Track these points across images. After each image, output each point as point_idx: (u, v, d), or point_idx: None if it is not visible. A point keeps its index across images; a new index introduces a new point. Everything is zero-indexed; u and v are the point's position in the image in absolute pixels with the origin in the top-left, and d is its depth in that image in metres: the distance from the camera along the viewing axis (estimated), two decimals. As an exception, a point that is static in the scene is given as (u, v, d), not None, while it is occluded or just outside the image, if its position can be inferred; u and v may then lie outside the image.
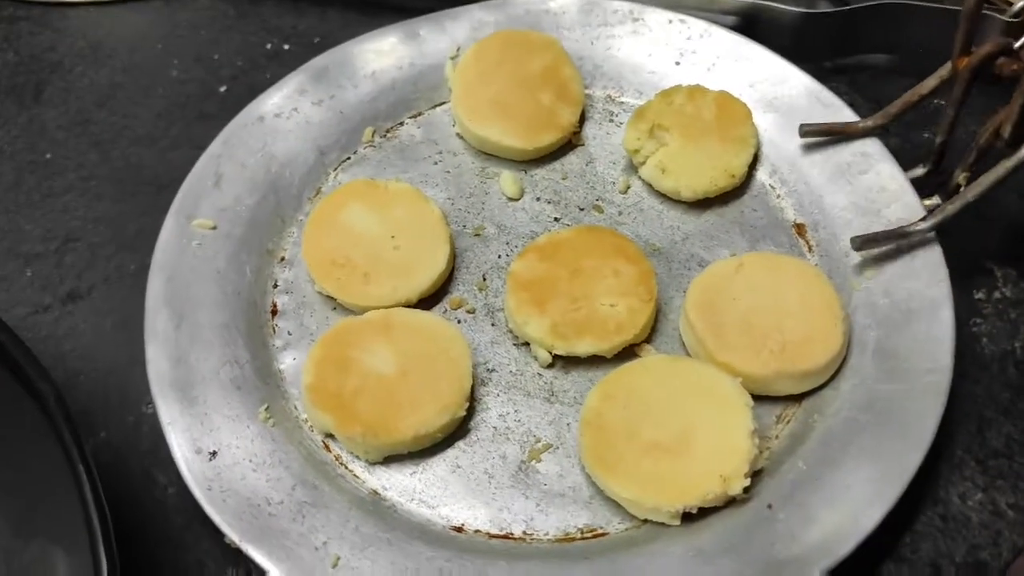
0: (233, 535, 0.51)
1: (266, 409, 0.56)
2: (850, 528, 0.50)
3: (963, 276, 0.63)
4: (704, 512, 0.52)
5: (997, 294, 0.63)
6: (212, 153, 0.65)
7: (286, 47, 0.79)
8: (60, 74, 0.78)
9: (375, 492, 0.55)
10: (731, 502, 0.53)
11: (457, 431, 0.57)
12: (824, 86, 0.68)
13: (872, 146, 0.65)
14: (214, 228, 0.63)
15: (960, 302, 0.60)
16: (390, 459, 0.56)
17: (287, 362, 0.60)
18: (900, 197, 0.62)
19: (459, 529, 0.54)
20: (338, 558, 0.50)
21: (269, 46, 0.79)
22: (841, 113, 0.67)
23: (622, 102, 0.72)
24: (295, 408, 0.58)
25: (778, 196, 0.66)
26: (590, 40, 0.73)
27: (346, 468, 0.56)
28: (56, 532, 0.44)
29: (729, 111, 0.67)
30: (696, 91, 0.68)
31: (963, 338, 0.60)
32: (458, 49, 0.72)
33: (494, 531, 0.54)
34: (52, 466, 0.44)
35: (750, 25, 0.73)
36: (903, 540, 0.54)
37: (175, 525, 0.56)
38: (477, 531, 0.54)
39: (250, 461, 0.54)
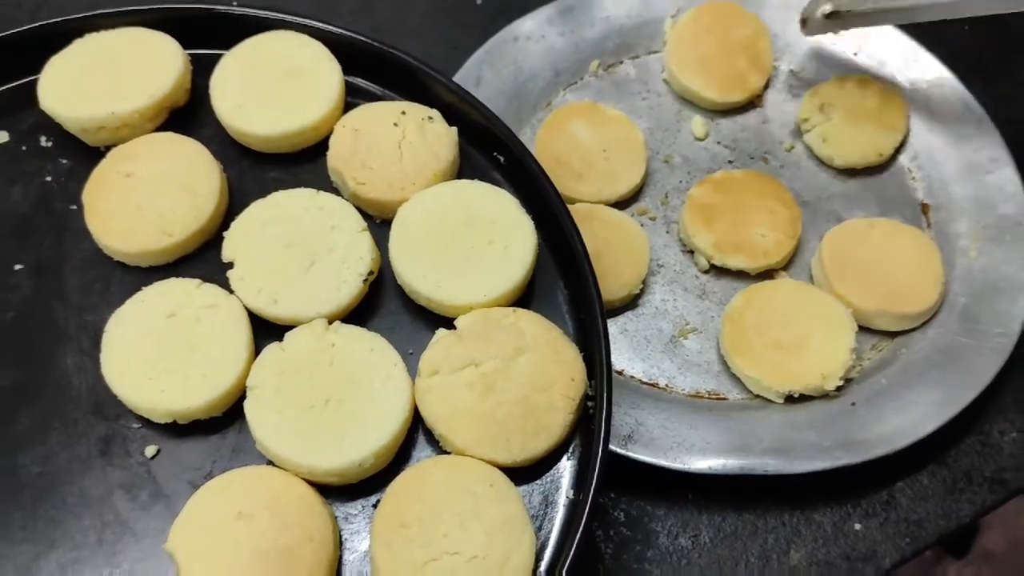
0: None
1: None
2: (909, 431, 0.64)
3: (1047, 272, 0.75)
4: (803, 398, 0.67)
5: (1070, 290, 0.75)
6: (477, 59, 0.80)
7: (535, -25, 0.92)
8: (351, -33, 0.93)
9: (562, 334, 0.72)
10: (825, 396, 0.67)
11: (629, 304, 0.72)
12: (974, 97, 0.78)
13: (1001, 152, 0.76)
14: (471, 117, 0.79)
15: (1040, 292, 0.72)
16: (578, 315, 0.72)
17: (509, 228, 0.77)
18: (1014, 198, 0.74)
19: (620, 372, 0.70)
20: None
21: (521, -28, 0.92)
22: (983, 123, 0.77)
23: (802, 78, 0.84)
24: (512, 263, 0.75)
25: (913, 178, 0.79)
26: (786, 21, 0.84)
27: (543, 313, 0.73)
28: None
29: (889, 101, 0.79)
30: (865, 80, 0.80)
31: (1035, 319, 0.73)
32: (678, 10, 0.85)
33: (644, 379, 0.70)
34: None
35: (922, 35, 0.82)
36: (949, 453, 0.68)
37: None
38: (632, 376, 0.70)
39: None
